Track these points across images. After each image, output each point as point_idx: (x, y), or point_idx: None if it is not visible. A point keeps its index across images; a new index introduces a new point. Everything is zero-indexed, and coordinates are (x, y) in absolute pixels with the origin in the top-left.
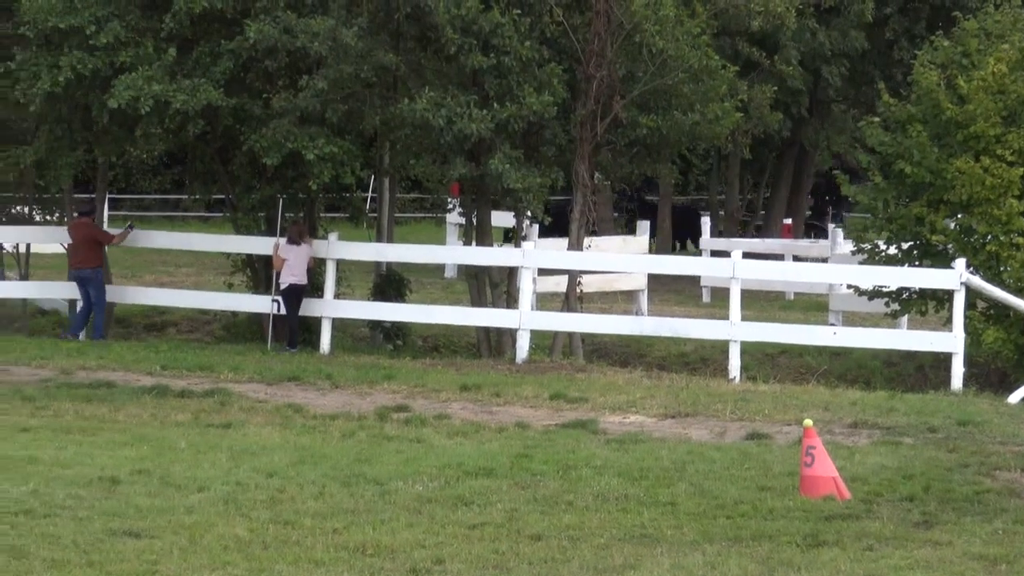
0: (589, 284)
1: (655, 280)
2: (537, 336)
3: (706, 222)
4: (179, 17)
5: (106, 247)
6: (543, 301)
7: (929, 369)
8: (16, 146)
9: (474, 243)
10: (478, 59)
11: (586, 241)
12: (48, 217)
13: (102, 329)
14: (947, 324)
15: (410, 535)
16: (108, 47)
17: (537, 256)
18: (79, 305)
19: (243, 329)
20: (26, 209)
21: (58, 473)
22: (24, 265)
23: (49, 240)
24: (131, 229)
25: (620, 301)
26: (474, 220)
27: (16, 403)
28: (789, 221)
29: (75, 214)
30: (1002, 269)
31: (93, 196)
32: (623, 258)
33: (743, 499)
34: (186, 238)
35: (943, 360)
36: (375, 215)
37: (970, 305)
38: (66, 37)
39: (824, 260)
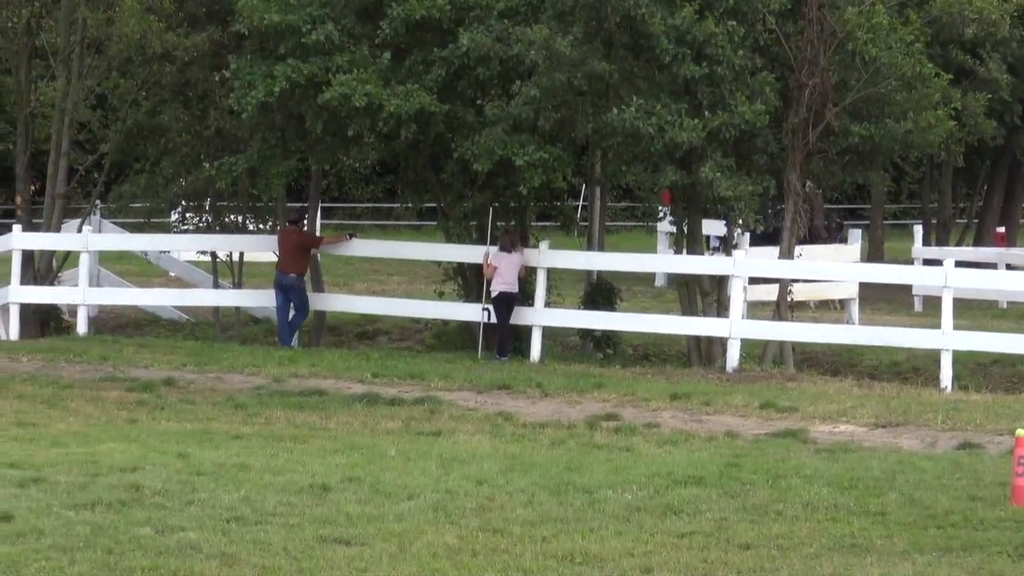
0: (799, 293)
1: (866, 289)
2: (747, 345)
3: (918, 230)
4: (395, 24)
5: (317, 255)
6: (753, 310)
7: None
8: (230, 155)
9: (684, 251)
10: (691, 68)
11: (797, 249)
12: (261, 226)
13: (290, 338)
14: None
15: (619, 544)
16: (321, 49)
17: (748, 265)
18: (289, 313)
19: (454, 337)
20: (239, 218)
21: (269, 480)
22: (238, 274)
23: (261, 248)
24: (350, 238)
25: (831, 310)
26: (685, 229)
27: (228, 411)
28: (1003, 229)
29: (286, 223)
30: None
31: (305, 205)
32: (834, 266)
33: (954, 509)
34: (397, 246)
35: None
36: (586, 224)
37: None
38: (282, 37)
39: None
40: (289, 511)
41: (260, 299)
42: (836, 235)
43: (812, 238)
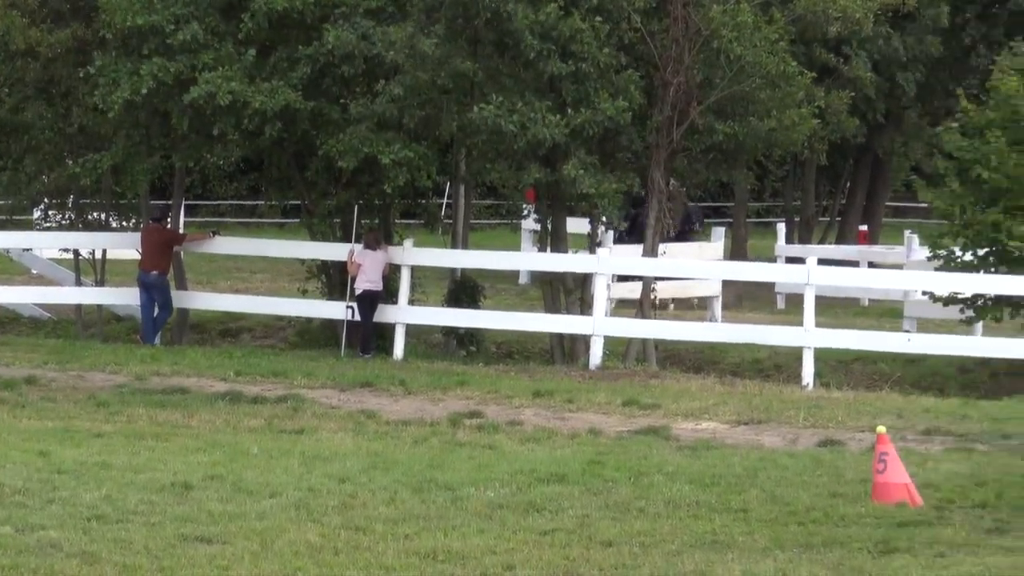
0: (663, 290)
1: (730, 286)
2: (611, 342)
3: (781, 228)
4: (258, 17)
5: (181, 253)
6: (617, 307)
7: (1004, 376)
8: (93, 152)
9: (549, 249)
10: (556, 65)
11: (660, 248)
12: (124, 223)
13: (153, 336)
14: (1023, 330)
15: (481, 541)
16: (187, 48)
17: (611, 262)
18: (153, 311)
19: (317, 335)
20: (103, 215)
21: (131, 478)
22: (100, 271)
23: (124, 246)
24: (213, 235)
25: (694, 308)
26: (549, 226)
27: (90, 409)
28: (865, 228)
29: (149, 221)
30: None
31: (168, 202)
32: (698, 264)
33: (815, 505)
34: (261, 244)
35: (1018, 366)
36: (450, 221)
37: None
38: (145, 38)
39: (900, 267)
40: (151, 509)
41: (123, 297)
42: (687, 229)
43: (681, 235)
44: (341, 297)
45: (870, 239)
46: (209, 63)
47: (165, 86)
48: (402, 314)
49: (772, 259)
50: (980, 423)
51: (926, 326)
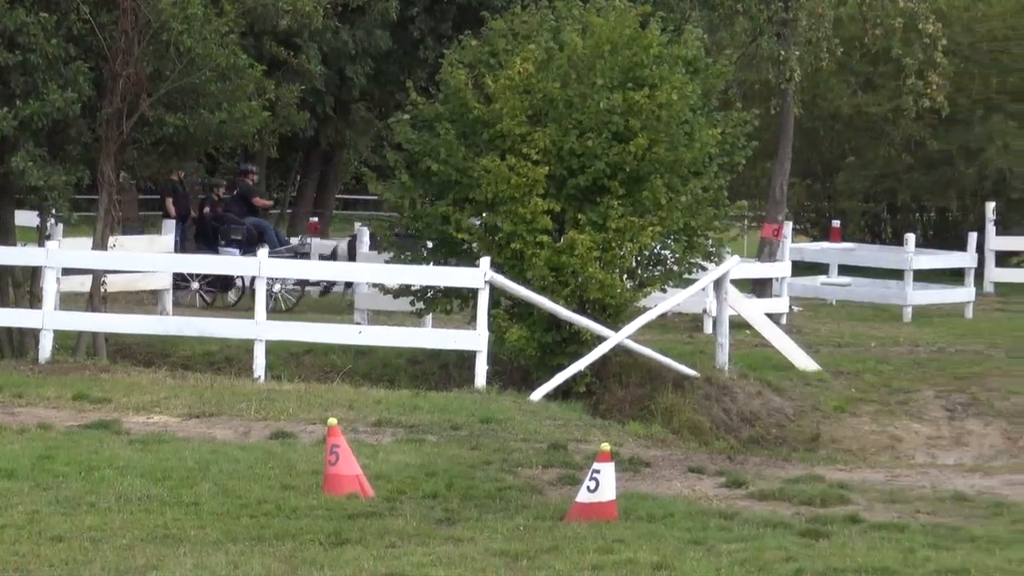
0: (114, 283)
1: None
2: (62, 336)
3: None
4: None
5: None
6: (68, 301)
7: (453, 367)
8: None
9: None
10: (3, 56)
11: (111, 240)
12: None
13: None
14: (472, 322)
15: None
16: None
17: (61, 256)
18: None
19: None
20: None
21: None
22: None
23: None
24: None
25: (146, 301)
26: None
27: None
28: (316, 219)
29: None
30: (526, 267)
31: None
32: (149, 257)
33: (267, 498)
34: None
35: (467, 358)
36: None
37: (495, 303)
38: None
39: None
40: None
41: None
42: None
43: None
44: None
45: (321, 230)
46: None
47: None
48: None
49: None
50: (430, 414)
51: (378, 318)
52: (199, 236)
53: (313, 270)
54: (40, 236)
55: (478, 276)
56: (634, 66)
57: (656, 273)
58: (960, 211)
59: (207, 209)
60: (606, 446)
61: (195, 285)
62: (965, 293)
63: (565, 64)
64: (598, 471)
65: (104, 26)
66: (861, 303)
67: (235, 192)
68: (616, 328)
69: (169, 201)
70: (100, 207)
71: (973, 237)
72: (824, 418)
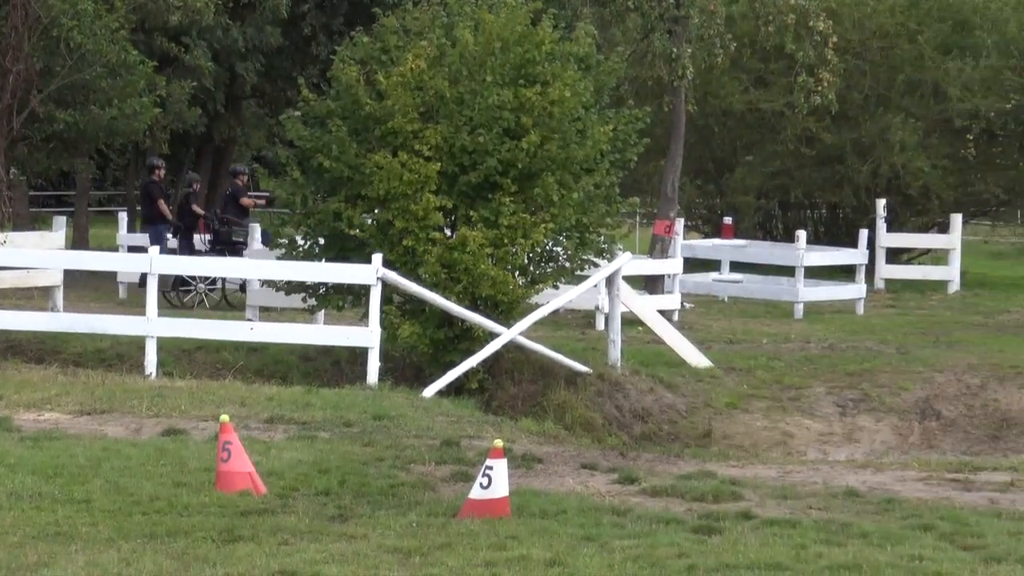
0: (4, 280)
1: (72, 276)
2: None
3: (123, 217)
4: None
5: None
6: None
7: (345, 364)
8: None
9: None
10: None
11: (1, 236)
12: None
13: None
14: (364, 319)
15: None
16: None
17: None
18: None
19: None
20: None
21: None
22: None
23: None
24: None
25: (37, 297)
26: None
27: None
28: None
29: None
30: (418, 264)
31: None
32: (39, 253)
33: (159, 495)
34: None
35: (360, 355)
36: None
37: (387, 300)
38: None
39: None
40: None
41: None
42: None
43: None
44: None
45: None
46: None
47: None
48: None
49: (115, 248)
50: (323, 411)
51: (270, 315)
52: (181, 231)
53: (204, 267)
54: None
55: (370, 272)
56: (526, 63)
57: (548, 270)
58: (852, 208)
59: (195, 206)
60: (499, 443)
61: (201, 286)
62: (856, 290)
63: (457, 61)
64: (491, 468)
65: None
66: (753, 300)
67: (228, 193)
68: (508, 325)
69: (162, 203)
70: None
71: (864, 234)
72: (716, 414)
